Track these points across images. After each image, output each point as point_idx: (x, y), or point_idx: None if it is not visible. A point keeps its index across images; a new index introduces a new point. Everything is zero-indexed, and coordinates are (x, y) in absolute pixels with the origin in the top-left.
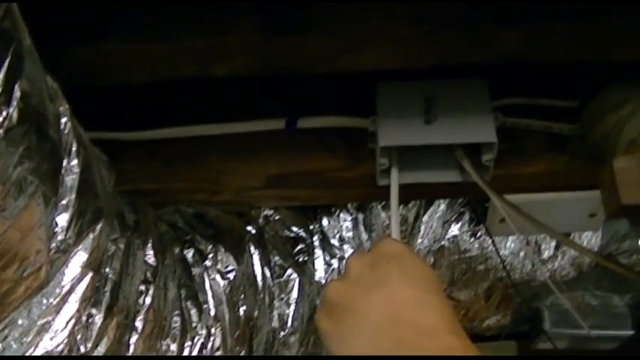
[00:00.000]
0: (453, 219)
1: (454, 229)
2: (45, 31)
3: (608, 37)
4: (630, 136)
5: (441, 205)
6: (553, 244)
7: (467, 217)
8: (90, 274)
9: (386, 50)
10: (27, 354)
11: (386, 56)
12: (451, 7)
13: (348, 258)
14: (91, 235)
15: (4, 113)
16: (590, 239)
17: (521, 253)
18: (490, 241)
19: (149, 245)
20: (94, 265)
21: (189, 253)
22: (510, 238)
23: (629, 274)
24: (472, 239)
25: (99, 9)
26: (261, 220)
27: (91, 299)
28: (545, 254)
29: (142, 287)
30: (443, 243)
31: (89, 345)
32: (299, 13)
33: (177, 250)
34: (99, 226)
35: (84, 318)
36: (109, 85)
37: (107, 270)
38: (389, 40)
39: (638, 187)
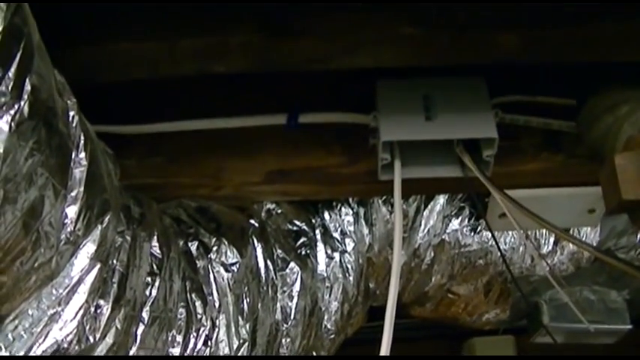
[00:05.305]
0: (453, 214)
1: (454, 224)
2: (50, 30)
3: (606, 40)
4: (629, 133)
5: (441, 200)
6: (552, 239)
7: (467, 212)
8: (98, 266)
9: (385, 50)
10: (36, 344)
11: (385, 56)
12: (451, 10)
13: None
14: (99, 227)
15: (16, 107)
16: (589, 235)
17: (521, 248)
18: (489, 235)
19: (155, 238)
20: (102, 256)
21: (193, 246)
22: (510, 233)
23: (628, 268)
24: (472, 234)
25: (102, 10)
26: (263, 214)
27: (99, 290)
28: (544, 249)
29: (149, 279)
30: (443, 237)
31: (97, 335)
32: (297, 15)
33: (181, 243)
34: (106, 219)
35: (92, 309)
36: (113, 82)
37: (115, 262)
38: (388, 40)
39: (638, 182)
